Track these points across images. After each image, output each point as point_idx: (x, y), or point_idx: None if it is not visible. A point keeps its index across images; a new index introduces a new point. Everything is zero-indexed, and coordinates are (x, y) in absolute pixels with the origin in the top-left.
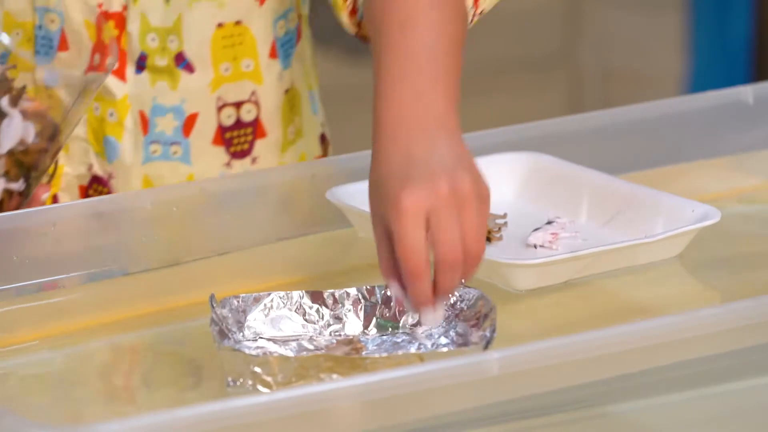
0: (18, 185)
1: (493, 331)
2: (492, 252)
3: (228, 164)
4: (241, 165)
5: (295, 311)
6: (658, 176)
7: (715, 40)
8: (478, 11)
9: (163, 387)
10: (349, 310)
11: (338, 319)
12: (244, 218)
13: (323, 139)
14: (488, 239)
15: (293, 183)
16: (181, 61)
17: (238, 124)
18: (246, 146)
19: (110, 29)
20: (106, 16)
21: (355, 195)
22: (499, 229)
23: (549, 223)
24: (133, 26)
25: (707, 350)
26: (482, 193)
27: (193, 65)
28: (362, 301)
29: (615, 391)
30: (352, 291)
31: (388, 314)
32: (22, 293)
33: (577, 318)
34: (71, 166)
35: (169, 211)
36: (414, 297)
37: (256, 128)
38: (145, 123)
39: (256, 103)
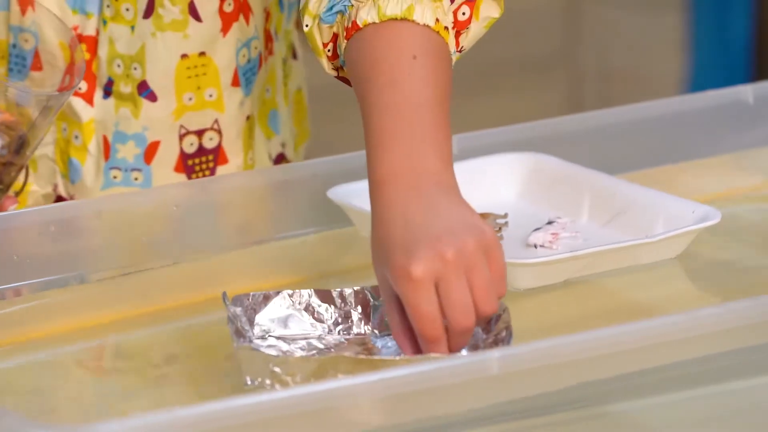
0: None
1: (510, 334)
2: None
3: None
4: None
5: (305, 310)
6: (659, 176)
7: (715, 40)
8: (459, 49)
9: (163, 386)
10: (358, 309)
11: (347, 318)
12: (245, 217)
13: (281, 159)
14: None
15: (294, 182)
16: (144, 89)
17: (201, 151)
18: (207, 172)
19: (82, 52)
20: (79, 39)
21: (357, 194)
22: (500, 229)
23: (549, 223)
24: (103, 51)
25: (707, 350)
26: (488, 243)
27: (155, 94)
28: (371, 300)
29: (615, 390)
30: (360, 290)
31: None
32: (23, 292)
33: (577, 317)
34: (39, 184)
35: (170, 210)
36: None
37: (217, 155)
38: (107, 148)
39: (218, 131)
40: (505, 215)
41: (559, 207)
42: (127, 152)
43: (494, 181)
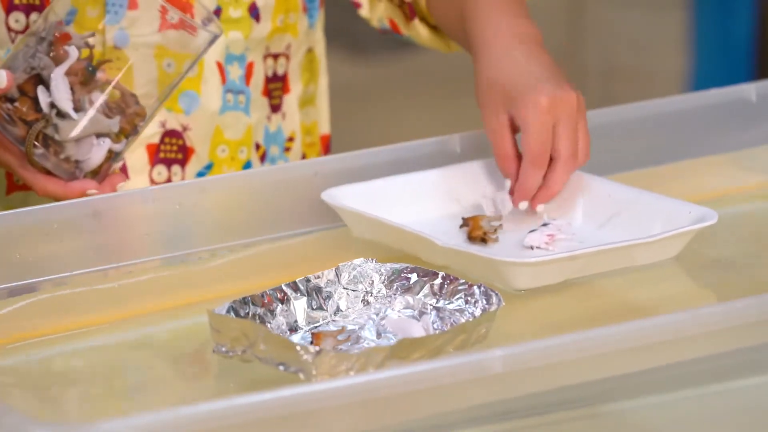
0: (120, 146)
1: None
2: (490, 251)
3: (269, 118)
4: (276, 119)
5: (251, 317)
6: (661, 174)
7: (717, 38)
8: None
9: (163, 385)
10: (285, 307)
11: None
12: (247, 215)
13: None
14: (484, 240)
15: (296, 180)
16: (253, 10)
17: (275, 77)
18: (278, 101)
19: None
20: None
21: (350, 196)
22: (495, 230)
23: (545, 224)
24: None
25: (707, 349)
26: (583, 104)
27: (260, 15)
28: (290, 294)
29: (616, 389)
30: (278, 288)
31: (316, 305)
32: (24, 291)
33: (576, 318)
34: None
35: (172, 208)
36: (524, 184)
37: (284, 83)
38: (222, 72)
39: (288, 57)
40: (500, 217)
41: (552, 209)
42: (235, 74)
43: (486, 183)
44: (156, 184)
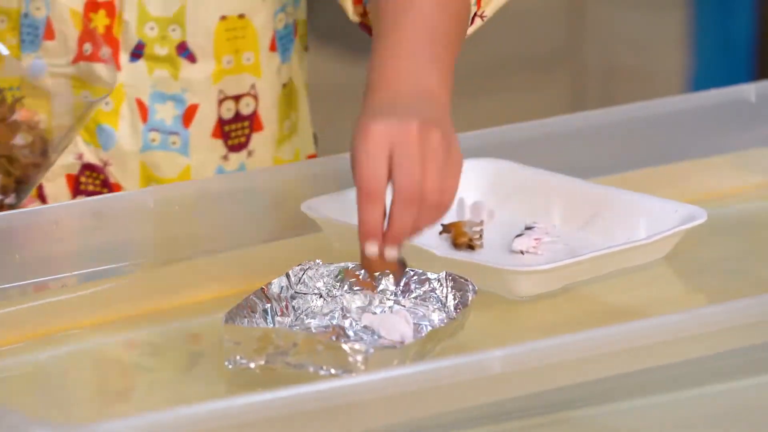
0: (10, 200)
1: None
2: (485, 258)
3: (225, 157)
4: (237, 158)
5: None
6: (660, 174)
7: (717, 38)
8: (480, 12)
9: (163, 385)
10: (260, 317)
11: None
12: (248, 215)
13: (315, 138)
14: (471, 247)
15: (296, 181)
16: (183, 50)
17: (237, 117)
18: (243, 139)
19: (101, 18)
20: (96, 5)
21: (329, 205)
22: (480, 236)
23: (529, 228)
24: (130, 15)
25: (710, 349)
26: (452, 156)
27: (195, 55)
28: (259, 303)
29: (617, 388)
30: (248, 297)
31: (280, 311)
32: (24, 292)
33: (570, 322)
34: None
35: (172, 209)
36: (363, 223)
37: (253, 121)
38: (143, 111)
39: (255, 97)
40: (481, 222)
41: (528, 213)
42: (166, 113)
43: (459, 187)
44: None
